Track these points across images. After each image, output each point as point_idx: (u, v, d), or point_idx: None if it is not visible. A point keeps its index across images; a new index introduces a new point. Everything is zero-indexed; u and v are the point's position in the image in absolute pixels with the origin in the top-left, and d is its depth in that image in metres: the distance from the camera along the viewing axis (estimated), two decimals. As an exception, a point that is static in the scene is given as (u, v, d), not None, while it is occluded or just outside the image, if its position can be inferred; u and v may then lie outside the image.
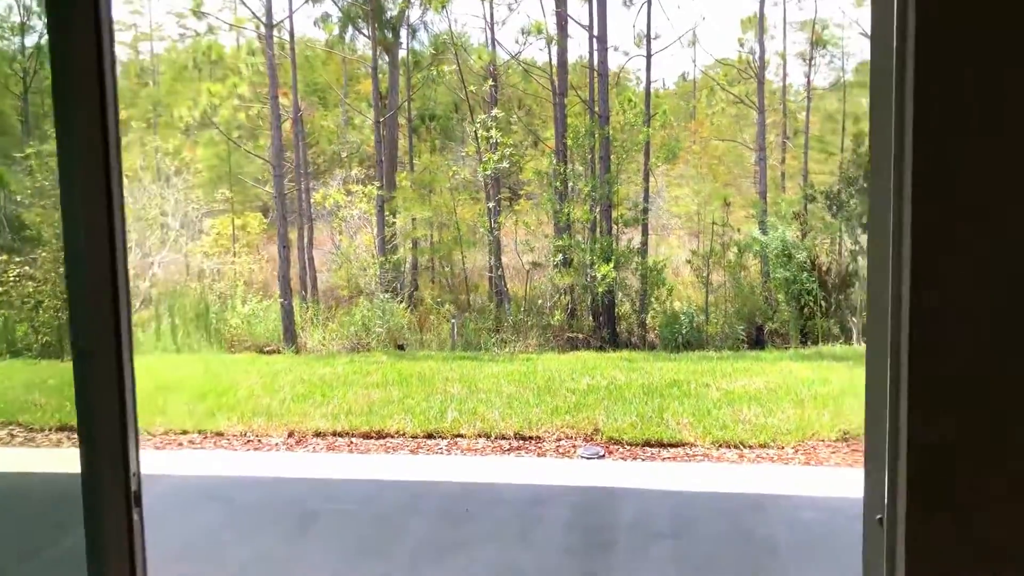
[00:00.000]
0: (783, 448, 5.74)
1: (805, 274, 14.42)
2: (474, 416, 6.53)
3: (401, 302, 15.51)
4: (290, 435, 6.28)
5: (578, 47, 22.50)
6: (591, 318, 15.42)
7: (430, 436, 6.21)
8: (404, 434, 6.24)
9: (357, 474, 5.39)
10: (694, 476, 5.18)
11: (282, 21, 17.09)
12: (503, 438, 6.10)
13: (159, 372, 9.20)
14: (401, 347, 13.88)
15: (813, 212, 16.52)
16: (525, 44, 19.26)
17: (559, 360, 10.69)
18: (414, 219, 18.36)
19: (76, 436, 1.81)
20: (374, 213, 18.79)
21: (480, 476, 5.32)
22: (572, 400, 7.01)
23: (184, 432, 6.38)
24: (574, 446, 5.88)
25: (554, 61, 18.42)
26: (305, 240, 19.08)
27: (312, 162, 27.31)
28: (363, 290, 16.84)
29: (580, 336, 14.83)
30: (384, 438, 6.20)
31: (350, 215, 18.78)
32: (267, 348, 14.72)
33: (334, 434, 6.28)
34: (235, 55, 24.79)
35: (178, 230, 17.01)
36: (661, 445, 5.80)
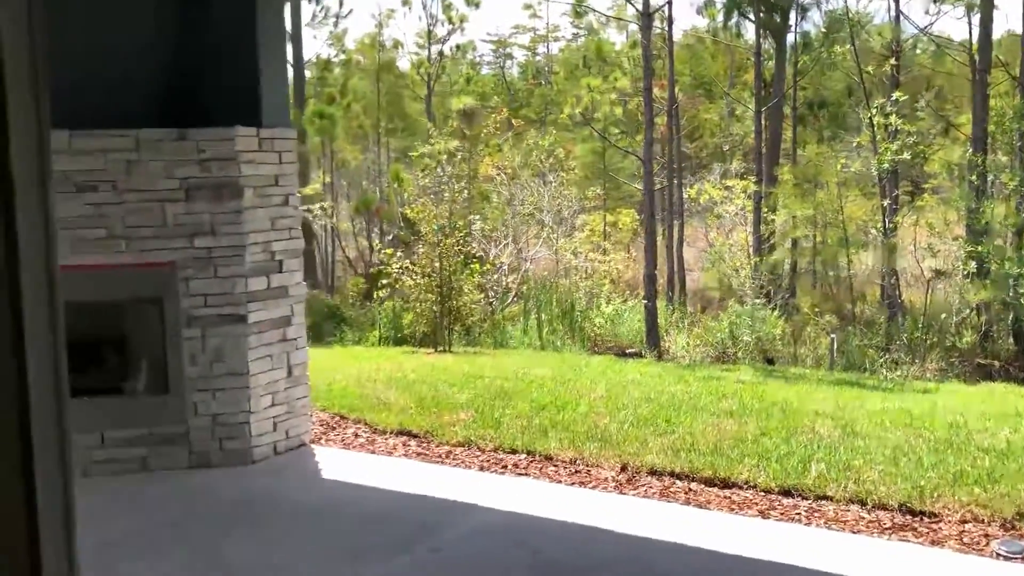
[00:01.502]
0: None
1: None
2: (846, 472, 5.24)
3: (774, 309, 14.09)
4: (622, 469, 5.51)
5: (1004, 19, 19.08)
6: (1013, 342, 12.73)
7: (787, 493, 5.06)
8: (754, 486, 5.15)
9: (689, 537, 4.45)
10: None
11: (659, 9, 16.35)
12: (883, 508, 4.76)
13: (514, 372, 8.96)
14: (770, 361, 12.52)
15: None
16: (938, 15, 16.61)
17: (966, 394, 8.73)
18: (794, 217, 16.69)
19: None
20: (751, 210, 17.44)
21: (851, 569, 4.09)
22: (985, 463, 5.39)
23: (513, 451, 5.90)
24: (987, 535, 4.38)
25: (974, 33, 15.61)
26: (675, 238, 18.33)
27: (694, 156, 26.50)
28: (734, 293, 15.65)
29: (996, 364, 12.28)
30: (729, 488, 5.17)
31: (725, 212, 17.62)
32: (629, 350, 14.17)
33: (671, 474, 5.38)
34: (624, 51, 24.65)
35: (550, 226, 17.16)
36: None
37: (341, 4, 24.21)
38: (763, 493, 5.08)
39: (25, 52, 0.80)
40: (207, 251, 5.38)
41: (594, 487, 5.24)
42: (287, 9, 22.29)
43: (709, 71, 27.37)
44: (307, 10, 22.61)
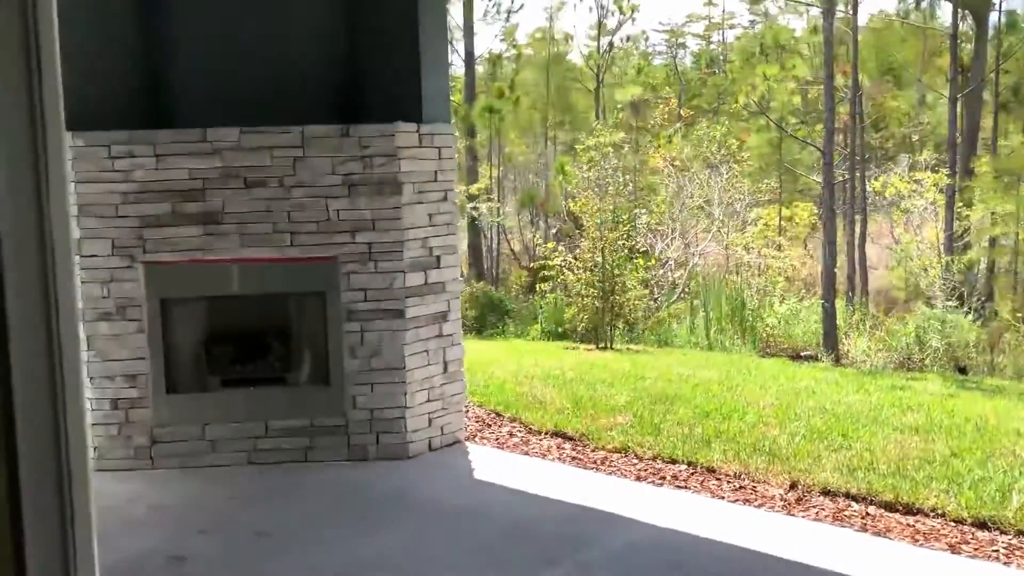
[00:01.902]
0: None
1: None
2: (1055, 506, 4.62)
3: (968, 313, 12.93)
4: (792, 487, 5.10)
5: None
6: None
7: (982, 525, 4.51)
8: (943, 514, 4.63)
9: (866, 570, 4.03)
10: None
11: (843, -10, 15.37)
12: (1101, 552, 4.14)
13: (677, 373, 8.61)
14: (963, 370, 11.47)
15: None
16: None
17: None
18: (993, 213, 15.27)
19: None
20: (943, 204, 16.14)
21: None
22: None
23: (673, 461, 5.61)
24: None
25: None
26: (856, 234, 17.22)
27: (880, 147, 24.88)
28: (922, 294, 14.52)
29: None
30: (913, 515, 4.67)
31: (913, 206, 16.39)
32: (804, 353, 13.42)
33: (847, 495, 4.93)
34: (804, 37, 23.50)
35: (721, 220, 16.53)
36: None
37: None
38: (953, 523, 4.56)
39: (19, 53, 0.67)
40: (367, 246, 5.41)
41: (759, 505, 4.87)
42: (460, 5, 22.65)
43: (899, 56, 25.60)
44: (479, 6, 22.83)
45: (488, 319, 15.35)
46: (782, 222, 19.01)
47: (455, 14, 23.42)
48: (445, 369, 5.78)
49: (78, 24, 5.47)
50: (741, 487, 5.15)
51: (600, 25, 24.35)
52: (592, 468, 5.52)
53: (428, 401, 5.69)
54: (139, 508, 4.85)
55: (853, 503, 4.85)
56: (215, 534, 4.49)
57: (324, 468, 5.40)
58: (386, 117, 5.47)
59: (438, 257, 5.66)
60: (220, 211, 5.31)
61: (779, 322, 13.99)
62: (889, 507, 4.76)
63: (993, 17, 17.94)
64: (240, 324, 5.70)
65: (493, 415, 6.77)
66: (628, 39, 27.50)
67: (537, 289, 14.98)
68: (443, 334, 5.74)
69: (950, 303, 13.23)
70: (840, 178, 17.01)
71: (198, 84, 5.56)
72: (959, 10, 17.39)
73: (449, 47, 5.52)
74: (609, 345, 11.44)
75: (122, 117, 5.42)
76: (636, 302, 12.62)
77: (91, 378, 5.36)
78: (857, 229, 17.11)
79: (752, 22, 36.89)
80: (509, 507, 4.77)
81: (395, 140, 5.36)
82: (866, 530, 4.49)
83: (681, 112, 21.99)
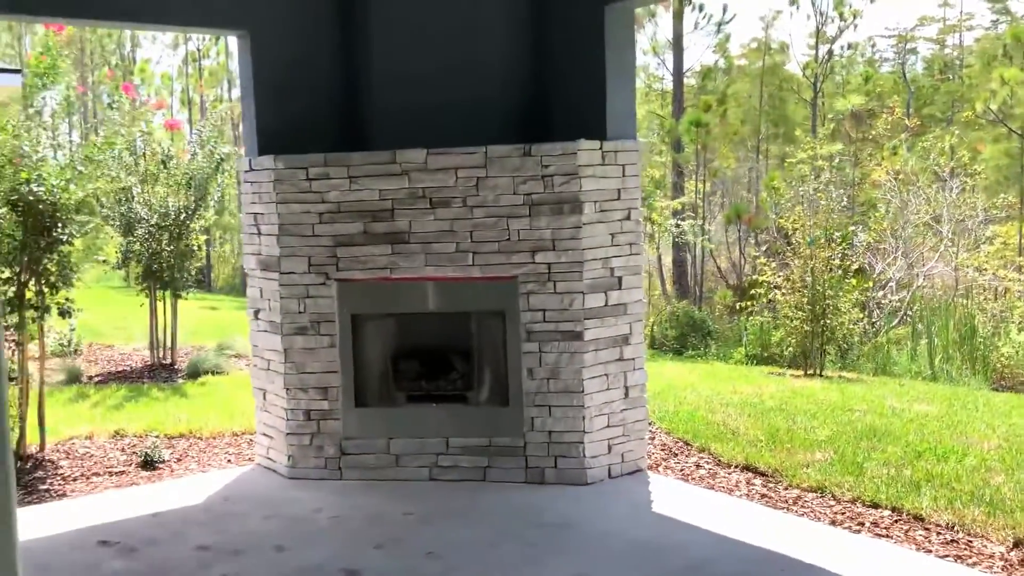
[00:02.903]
0: None
1: None
2: None
3: None
4: (1016, 545, 4.47)
5: None
6: None
7: None
8: None
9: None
10: None
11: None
12: None
13: (890, 406, 7.90)
14: None
15: None
16: None
17: None
18: None
19: None
20: None
21: None
22: None
23: (875, 505, 5.09)
24: None
25: None
26: (1116, 255, 15.16)
27: None
28: None
29: None
30: None
31: None
32: (1046, 387, 11.97)
33: (1085, 561, 4.25)
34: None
35: (950, 238, 15.12)
36: None
37: (725, 10, 23.68)
38: None
39: None
40: (547, 266, 5.33)
41: (973, 563, 4.30)
42: (669, 18, 22.32)
43: None
44: (689, 19, 22.37)
45: (689, 340, 14.89)
46: (1023, 240, 17.12)
47: (664, 28, 23.12)
48: (626, 394, 5.59)
49: (284, 57, 5.81)
50: (953, 541, 4.58)
51: (819, 32, 23.12)
52: (783, 508, 5.12)
53: (608, 427, 5.52)
54: (323, 518, 5.02)
55: (1093, 571, 4.17)
56: (389, 550, 4.55)
57: (501, 489, 5.36)
58: (569, 135, 5.38)
59: (620, 278, 5.49)
60: (407, 230, 5.43)
61: (1017, 352, 12.55)
62: None
63: None
64: (424, 341, 5.80)
65: (681, 444, 6.48)
66: (850, 46, 25.91)
67: (741, 309, 14.35)
68: (624, 357, 5.55)
69: None
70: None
71: (390, 109, 5.74)
72: None
73: (635, 61, 5.37)
74: (818, 372, 10.72)
75: (320, 141, 5.69)
76: (850, 326, 11.76)
77: (287, 389, 5.64)
78: (1118, 248, 15.06)
79: (994, 22, 33.79)
80: (686, 545, 4.50)
81: (576, 158, 5.26)
82: (1107, 606, 3.84)
83: (908, 122, 20.39)
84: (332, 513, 5.08)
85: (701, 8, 23.08)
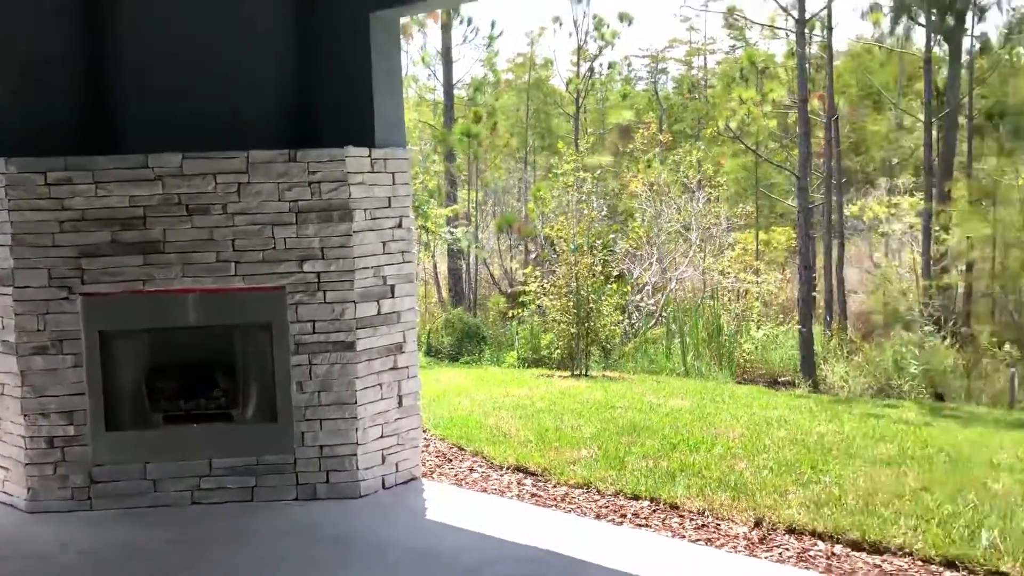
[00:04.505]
0: None
1: None
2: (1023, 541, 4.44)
3: (945, 338, 12.82)
4: (757, 524, 4.90)
5: None
6: None
7: (950, 564, 4.32)
8: (910, 553, 4.44)
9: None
10: None
11: (815, 16, 15.37)
12: (1074, 594, 3.96)
13: (648, 402, 8.41)
14: (940, 396, 11.34)
15: None
16: None
17: None
18: (969, 237, 15.24)
19: None
20: (920, 229, 16.10)
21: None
22: None
23: (635, 497, 5.39)
24: None
25: None
26: (834, 259, 17.12)
27: (860, 171, 24.90)
28: (900, 319, 14.42)
29: None
30: (880, 554, 4.48)
31: (892, 231, 16.35)
32: (781, 379, 13.28)
33: (812, 534, 4.73)
34: (784, 62, 23.55)
35: (698, 244, 16.41)
36: None
37: (493, 25, 24.36)
38: (921, 563, 4.36)
39: None
40: (316, 275, 5.20)
41: (722, 545, 4.66)
42: (438, 30, 22.60)
43: (877, 80, 25.75)
44: (458, 32, 22.77)
45: (465, 346, 15.13)
46: (760, 246, 18.93)
47: (434, 39, 23.39)
48: (400, 403, 5.56)
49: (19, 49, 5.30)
50: (704, 525, 4.94)
51: (580, 50, 24.32)
52: (552, 505, 5.30)
53: (382, 437, 5.46)
54: (71, 555, 4.60)
55: (819, 542, 4.65)
56: (147, 582, 4.25)
57: (271, 508, 5.16)
58: (338, 142, 5.29)
59: (392, 286, 5.46)
60: (161, 239, 5.10)
61: (756, 348, 13.85)
62: (855, 546, 4.57)
63: (966, 42, 18.01)
64: (184, 358, 5.47)
65: (455, 449, 6.55)
66: (610, 65, 27.46)
67: (513, 315, 14.78)
68: (398, 366, 5.53)
69: (928, 328, 13.12)
70: (817, 202, 16.94)
71: (142, 112, 5.38)
72: (932, 35, 17.46)
73: (402, 70, 5.36)
74: (584, 372, 11.25)
75: (62, 143, 5.22)
76: (612, 328, 12.44)
77: (25, 415, 5.12)
78: (835, 254, 17.02)
79: (732, 47, 37.08)
80: (461, 550, 4.54)
81: (345, 165, 5.18)
82: (831, 572, 4.29)
83: (661, 137, 21.93)
84: (81, 548, 4.66)
85: (469, 21, 23.58)
